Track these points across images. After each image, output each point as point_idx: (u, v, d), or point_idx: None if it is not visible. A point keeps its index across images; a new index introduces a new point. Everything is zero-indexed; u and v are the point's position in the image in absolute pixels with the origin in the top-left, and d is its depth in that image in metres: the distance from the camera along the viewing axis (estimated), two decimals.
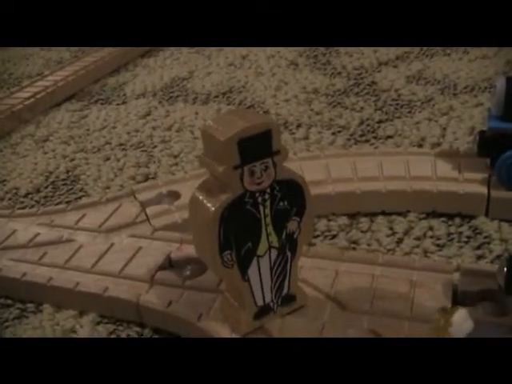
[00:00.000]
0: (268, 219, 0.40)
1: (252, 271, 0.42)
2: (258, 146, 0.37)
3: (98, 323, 0.51)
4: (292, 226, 0.42)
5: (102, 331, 0.50)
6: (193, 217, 0.41)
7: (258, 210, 0.40)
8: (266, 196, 0.39)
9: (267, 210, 0.40)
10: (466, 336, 0.37)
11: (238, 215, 0.39)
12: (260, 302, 0.43)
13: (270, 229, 0.41)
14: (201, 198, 0.40)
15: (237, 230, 0.39)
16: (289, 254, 0.43)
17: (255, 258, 0.41)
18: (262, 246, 0.41)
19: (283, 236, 0.42)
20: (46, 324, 0.51)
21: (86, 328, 0.50)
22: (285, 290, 0.44)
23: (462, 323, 0.37)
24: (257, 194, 0.39)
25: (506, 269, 0.42)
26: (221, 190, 0.39)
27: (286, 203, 0.40)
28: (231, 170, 0.37)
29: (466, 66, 0.95)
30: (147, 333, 0.50)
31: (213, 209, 0.38)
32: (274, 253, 0.42)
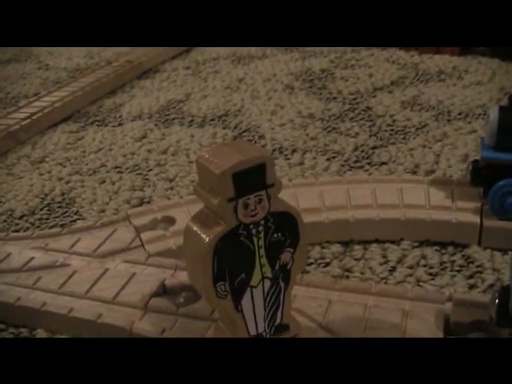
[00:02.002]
0: (262, 251, 0.41)
1: (245, 302, 0.42)
2: (252, 179, 0.38)
3: None
4: (285, 257, 0.42)
5: None
6: (187, 247, 0.41)
7: (252, 242, 0.40)
8: (260, 228, 0.40)
9: (261, 242, 0.40)
10: None
11: (231, 247, 0.39)
12: (253, 332, 0.44)
13: (264, 260, 0.41)
14: (195, 228, 0.40)
15: (231, 262, 0.40)
16: (282, 284, 0.43)
17: (249, 289, 0.41)
18: (256, 277, 0.41)
19: (277, 267, 0.42)
20: None
21: None
22: (278, 320, 0.44)
23: None
24: (251, 226, 0.39)
25: (497, 301, 0.42)
26: (215, 221, 0.39)
27: (279, 235, 0.41)
28: (225, 203, 0.38)
29: (461, 92, 0.96)
30: None
31: (207, 240, 0.38)
32: (267, 283, 0.42)
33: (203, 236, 0.39)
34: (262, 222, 0.40)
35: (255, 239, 0.40)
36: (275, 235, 0.41)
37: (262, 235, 0.40)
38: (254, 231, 0.40)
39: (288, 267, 0.42)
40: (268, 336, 0.44)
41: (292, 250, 0.42)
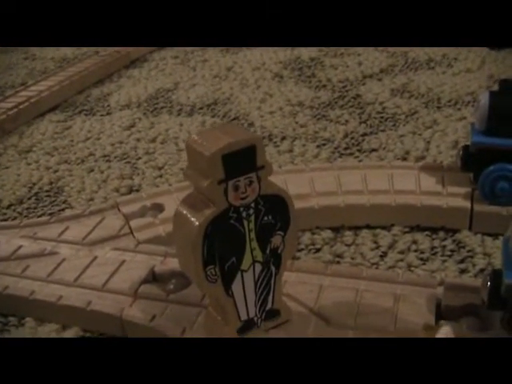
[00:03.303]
0: (252, 234, 0.40)
1: (236, 286, 0.41)
2: (242, 160, 0.37)
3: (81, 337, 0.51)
4: (276, 240, 0.42)
5: None
6: (177, 231, 0.41)
7: (243, 225, 0.40)
8: (251, 211, 0.39)
9: (251, 225, 0.40)
10: None
11: (222, 230, 0.39)
12: (244, 317, 0.43)
13: (255, 243, 0.41)
14: (185, 212, 0.39)
15: (221, 245, 0.39)
16: (273, 268, 0.43)
17: (239, 273, 0.41)
18: (246, 261, 0.41)
19: (267, 251, 0.42)
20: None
21: None
22: (269, 305, 0.44)
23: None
24: (241, 209, 0.39)
25: (489, 284, 0.42)
26: (205, 204, 0.39)
27: (270, 218, 0.40)
28: (215, 185, 0.37)
29: (450, 79, 0.96)
30: None
31: (197, 223, 0.38)
32: (258, 267, 0.42)
33: (193, 219, 0.38)
34: (253, 205, 0.39)
35: (245, 222, 0.40)
36: (266, 218, 0.40)
37: (252, 218, 0.40)
38: (244, 214, 0.39)
39: (279, 251, 0.42)
40: (259, 321, 0.44)
41: (283, 234, 0.42)
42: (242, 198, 0.39)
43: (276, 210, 0.41)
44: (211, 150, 0.37)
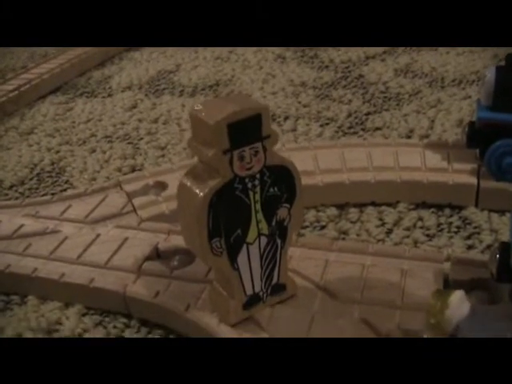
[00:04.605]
0: (258, 206, 0.40)
1: (241, 259, 0.41)
2: (247, 130, 0.37)
3: (84, 315, 0.50)
4: (282, 212, 0.41)
5: (88, 322, 0.49)
6: (181, 204, 0.40)
7: (248, 196, 0.39)
8: (256, 182, 0.39)
9: (257, 196, 0.39)
10: (463, 319, 0.36)
11: (227, 201, 0.38)
12: (249, 292, 0.43)
13: (260, 216, 0.40)
14: (189, 184, 0.39)
15: (226, 217, 0.39)
16: (279, 241, 0.42)
17: (245, 246, 0.40)
18: (252, 234, 0.40)
19: (273, 223, 0.41)
20: (30, 316, 0.50)
21: (71, 319, 0.49)
22: (274, 280, 0.43)
23: (459, 305, 0.37)
24: (246, 180, 0.38)
25: (497, 256, 0.41)
26: (209, 175, 0.38)
27: (276, 189, 0.40)
28: (220, 155, 0.36)
29: (454, 59, 0.95)
30: (134, 324, 0.49)
31: (201, 194, 0.37)
32: (263, 240, 0.41)
33: (197, 191, 0.38)
34: (258, 176, 0.39)
35: (251, 193, 0.39)
36: (271, 190, 0.40)
37: (258, 189, 0.39)
38: (249, 185, 0.39)
39: (285, 224, 0.41)
40: (265, 296, 0.44)
41: (289, 206, 0.41)
42: (248, 169, 0.38)
43: (282, 182, 0.40)
44: (216, 119, 0.36)
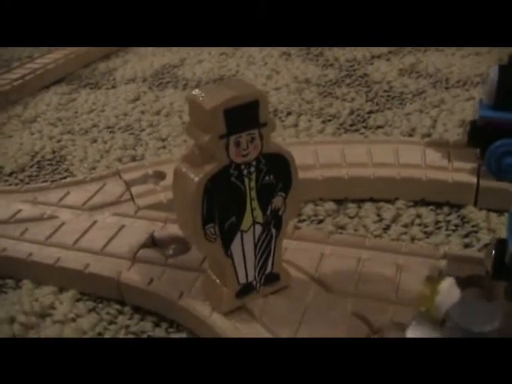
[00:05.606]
0: (253, 193, 0.39)
1: (235, 246, 0.41)
2: (244, 116, 0.37)
3: (78, 300, 0.50)
4: (277, 201, 0.41)
5: (82, 308, 0.49)
6: (176, 189, 0.40)
7: (243, 183, 0.39)
8: (252, 169, 0.39)
9: (252, 184, 0.39)
10: (453, 306, 0.36)
11: (222, 187, 0.38)
12: (243, 280, 0.43)
13: (255, 203, 0.40)
14: (184, 169, 0.39)
15: (221, 203, 0.38)
16: (273, 230, 0.42)
17: (239, 233, 0.40)
18: (247, 221, 0.40)
19: (268, 212, 0.41)
20: (24, 300, 0.50)
21: (65, 304, 0.49)
22: (268, 269, 0.43)
23: (449, 292, 0.36)
24: (242, 167, 0.38)
25: (493, 253, 0.41)
26: (205, 161, 0.38)
27: (271, 177, 0.40)
28: (217, 139, 0.36)
29: (459, 61, 0.95)
30: (127, 311, 0.49)
31: (196, 179, 0.37)
32: (258, 229, 0.41)
33: (192, 175, 0.38)
34: (254, 163, 0.38)
35: (246, 180, 0.39)
36: (267, 178, 0.39)
37: (253, 177, 0.39)
38: (245, 172, 0.38)
39: (280, 213, 0.41)
40: (258, 286, 0.43)
41: (284, 195, 0.41)
42: (244, 155, 0.38)
43: (278, 170, 0.40)
44: (213, 104, 0.36)
